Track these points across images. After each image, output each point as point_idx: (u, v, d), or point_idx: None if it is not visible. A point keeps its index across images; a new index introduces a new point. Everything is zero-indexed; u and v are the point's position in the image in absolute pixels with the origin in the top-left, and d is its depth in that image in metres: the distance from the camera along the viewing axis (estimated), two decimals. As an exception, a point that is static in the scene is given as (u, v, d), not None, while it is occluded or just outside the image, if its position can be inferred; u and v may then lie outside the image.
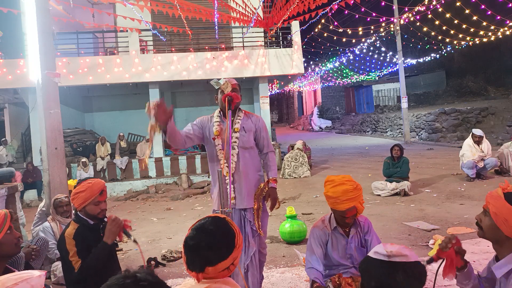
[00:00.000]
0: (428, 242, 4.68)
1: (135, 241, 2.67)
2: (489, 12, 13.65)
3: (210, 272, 1.55)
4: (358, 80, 27.25)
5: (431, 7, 13.60)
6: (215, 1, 8.86)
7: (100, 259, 2.62)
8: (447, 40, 17.93)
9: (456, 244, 1.84)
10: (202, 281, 1.57)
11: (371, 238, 2.87)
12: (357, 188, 2.73)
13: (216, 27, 11.25)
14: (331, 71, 26.62)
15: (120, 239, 2.79)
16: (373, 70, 26.18)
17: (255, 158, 3.20)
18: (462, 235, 4.76)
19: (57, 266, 4.19)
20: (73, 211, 4.95)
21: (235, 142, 3.09)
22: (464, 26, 15.63)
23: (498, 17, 13.96)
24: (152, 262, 4.58)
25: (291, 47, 12.23)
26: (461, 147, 8.69)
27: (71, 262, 2.63)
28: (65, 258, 2.69)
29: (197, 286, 1.57)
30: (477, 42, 16.53)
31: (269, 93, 15.27)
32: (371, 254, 1.50)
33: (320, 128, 29.43)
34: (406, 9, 15.08)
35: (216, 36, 12.03)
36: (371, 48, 21.71)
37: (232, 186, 3.03)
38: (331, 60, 24.27)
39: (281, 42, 13.32)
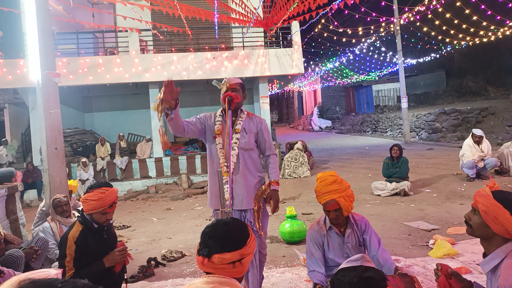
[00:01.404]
0: (428, 242, 4.68)
1: (125, 280, 2.83)
2: (489, 12, 13.65)
3: (216, 261, 1.61)
4: (358, 80, 27.24)
5: (431, 7, 13.59)
6: (215, 2, 8.85)
7: (92, 276, 2.68)
8: (447, 40, 17.93)
9: (443, 270, 1.88)
10: (207, 282, 1.60)
11: (370, 237, 2.87)
12: (337, 181, 2.79)
13: (216, 27, 11.25)
14: (331, 71, 26.62)
15: (117, 270, 2.84)
16: (373, 70, 26.17)
17: (255, 159, 3.20)
18: (462, 235, 4.76)
19: (57, 266, 4.19)
20: (73, 212, 4.95)
21: (236, 143, 3.09)
22: (464, 26, 15.62)
23: (498, 17, 13.96)
24: (152, 262, 4.58)
25: (291, 47, 12.23)
26: (461, 147, 8.68)
27: (64, 267, 2.65)
28: (61, 261, 2.72)
29: (202, 286, 1.59)
30: (477, 42, 16.53)
31: (269, 93, 15.26)
32: (343, 266, 1.68)
33: (320, 128, 29.42)
34: (406, 9, 15.09)
35: (216, 36, 12.03)
36: (371, 48, 21.72)
37: (230, 186, 3.03)
38: (331, 60, 24.27)
39: (281, 42, 13.32)
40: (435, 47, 20.71)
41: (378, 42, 19.91)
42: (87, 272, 2.66)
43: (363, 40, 18.67)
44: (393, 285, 2.21)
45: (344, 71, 26.55)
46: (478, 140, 8.14)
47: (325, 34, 16.08)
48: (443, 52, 20.48)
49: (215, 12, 9.52)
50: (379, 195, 7.61)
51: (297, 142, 11.82)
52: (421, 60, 22.02)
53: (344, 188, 2.79)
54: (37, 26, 5.63)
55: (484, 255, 1.86)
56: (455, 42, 17.69)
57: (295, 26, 12.11)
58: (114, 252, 2.81)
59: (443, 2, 12.94)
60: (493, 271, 1.77)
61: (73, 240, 2.74)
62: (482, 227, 1.81)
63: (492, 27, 15.30)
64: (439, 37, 17.81)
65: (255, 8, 9.71)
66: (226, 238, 1.65)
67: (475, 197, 1.87)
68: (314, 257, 2.83)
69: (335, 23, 14.10)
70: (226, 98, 3.01)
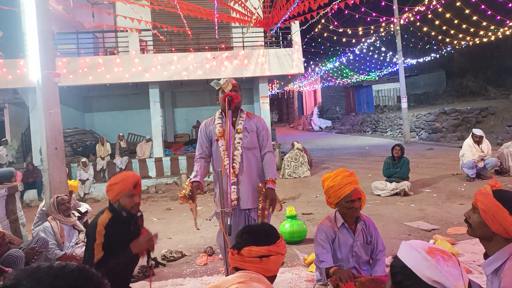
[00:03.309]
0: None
1: (150, 266, 2.82)
2: (489, 12, 13.64)
3: (245, 253, 1.77)
4: (358, 80, 27.23)
5: (431, 7, 13.59)
6: (215, 2, 8.85)
7: (120, 264, 2.65)
8: (447, 40, 17.92)
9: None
10: (239, 276, 1.71)
11: (376, 241, 2.87)
12: (353, 175, 2.83)
13: (216, 27, 11.25)
14: (331, 71, 26.61)
15: (142, 255, 2.79)
16: (373, 70, 26.16)
17: (259, 158, 3.20)
18: (462, 235, 4.76)
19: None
20: (73, 212, 4.95)
21: (239, 142, 3.09)
22: (464, 26, 15.61)
23: (498, 17, 13.95)
24: (152, 262, 4.58)
25: (291, 47, 12.23)
26: (461, 147, 8.68)
27: (93, 250, 2.62)
28: (89, 244, 2.68)
29: (233, 279, 1.67)
30: (477, 42, 16.52)
31: (269, 93, 15.27)
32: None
33: (320, 128, 29.41)
34: (406, 9, 15.07)
35: (216, 36, 12.03)
36: (371, 48, 21.70)
37: (235, 187, 3.02)
38: (331, 60, 24.26)
39: (281, 42, 13.32)
40: (435, 47, 20.70)
41: (378, 42, 19.91)
42: (115, 261, 2.61)
43: (363, 40, 18.66)
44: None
45: (344, 71, 26.54)
46: (478, 140, 8.14)
47: (325, 34, 16.06)
48: (443, 52, 20.48)
49: (215, 12, 9.51)
50: (379, 195, 7.61)
51: (293, 145, 11.82)
52: (421, 60, 22.01)
53: (357, 180, 2.84)
54: (37, 26, 5.62)
55: (485, 256, 1.84)
56: (455, 42, 17.68)
57: (295, 26, 12.10)
58: (143, 239, 2.73)
59: (443, 2, 12.94)
60: (495, 272, 1.75)
61: (102, 226, 2.67)
62: (481, 226, 1.79)
63: (492, 27, 15.29)
64: (439, 37, 17.80)
65: (255, 8, 9.70)
66: (257, 233, 1.84)
67: (475, 195, 1.85)
68: (325, 249, 2.78)
69: (335, 23, 14.08)
70: (227, 98, 3.01)
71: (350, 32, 16.35)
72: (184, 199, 2.97)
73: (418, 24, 16.17)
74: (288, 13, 9.01)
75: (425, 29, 16.50)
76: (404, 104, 17.07)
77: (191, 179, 3.10)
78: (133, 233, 2.82)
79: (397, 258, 1.31)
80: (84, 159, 11.32)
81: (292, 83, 26.53)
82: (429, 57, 21.09)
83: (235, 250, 1.80)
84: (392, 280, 1.30)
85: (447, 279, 1.19)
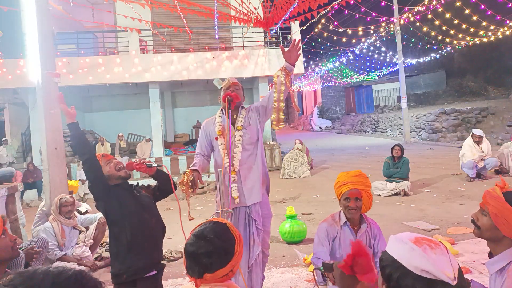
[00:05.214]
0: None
1: (158, 165, 2.95)
2: (489, 12, 13.65)
3: (209, 279, 1.58)
4: (358, 80, 27.22)
5: (431, 7, 13.59)
6: (215, 1, 8.86)
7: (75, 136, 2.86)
8: (447, 40, 17.92)
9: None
10: (203, 285, 1.59)
11: (377, 242, 2.86)
12: (362, 176, 2.87)
13: (216, 27, 11.26)
14: (331, 71, 26.60)
15: (150, 173, 2.96)
16: (373, 70, 26.16)
17: (260, 153, 3.19)
18: (462, 235, 4.76)
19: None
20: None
21: (239, 140, 3.09)
22: (464, 26, 15.62)
23: (498, 17, 13.95)
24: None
25: (291, 47, 12.21)
26: (461, 147, 8.69)
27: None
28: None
29: None
30: (477, 42, 16.53)
31: (269, 93, 15.24)
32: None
33: (320, 128, 29.41)
34: (406, 9, 15.07)
35: (216, 36, 12.03)
36: (371, 48, 21.70)
37: (237, 185, 3.01)
38: (331, 60, 24.26)
39: (281, 42, 13.32)
40: (435, 47, 20.71)
41: (378, 42, 19.91)
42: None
43: (363, 40, 18.66)
44: None
45: (344, 71, 26.53)
46: (478, 140, 8.14)
47: (325, 34, 16.06)
48: (443, 52, 20.48)
49: (215, 12, 9.52)
50: (379, 195, 7.61)
51: (295, 143, 11.82)
52: (421, 60, 22.02)
53: (367, 184, 2.85)
54: (37, 26, 5.62)
55: (490, 255, 1.82)
56: (455, 42, 17.68)
57: (295, 26, 12.10)
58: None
59: (443, 2, 12.93)
60: (500, 272, 1.73)
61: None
62: (491, 229, 1.75)
63: (492, 27, 15.30)
64: (439, 37, 17.80)
65: (255, 8, 9.71)
66: (215, 253, 1.57)
67: (485, 197, 1.81)
68: (323, 246, 2.79)
69: (335, 23, 14.08)
70: (226, 98, 3.01)
71: (350, 32, 16.37)
72: (187, 187, 2.92)
73: (418, 24, 16.18)
74: (288, 13, 9.01)
75: (425, 29, 16.50)
76: (404, 104, 17.07)
77: (190, 167, 3.08)
78: (141, 197, 3.00)
79: (385, 252, 1.28)
80: (84, 159, 11.32)
81: (292, 83, 26.54)
82: (429, 57, 21.09)
83: (197, 280, 1.57)
84: (382, 275, 1.27)
85: (434, 267, 1.15)
